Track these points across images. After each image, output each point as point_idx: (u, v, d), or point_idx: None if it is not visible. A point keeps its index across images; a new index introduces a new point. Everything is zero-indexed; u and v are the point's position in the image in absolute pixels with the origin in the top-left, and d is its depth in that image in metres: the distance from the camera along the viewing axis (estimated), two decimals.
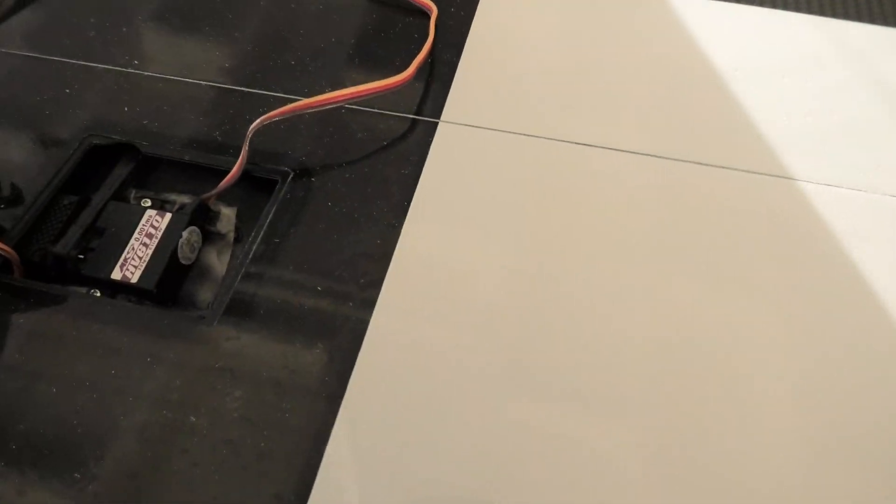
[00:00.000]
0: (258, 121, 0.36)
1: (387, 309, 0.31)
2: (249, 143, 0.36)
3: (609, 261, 0.33)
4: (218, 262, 0.37)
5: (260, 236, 0.33)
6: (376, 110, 0.39)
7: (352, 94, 0.36)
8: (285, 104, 0.39)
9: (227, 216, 0.38)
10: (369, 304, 0.31)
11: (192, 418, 0.27)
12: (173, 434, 0.27)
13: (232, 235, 0.37)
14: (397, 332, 0.30)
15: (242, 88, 0.40)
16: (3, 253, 0.33)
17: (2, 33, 0.43)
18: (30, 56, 0.42)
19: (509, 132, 0.37)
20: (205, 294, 0.35)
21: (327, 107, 0.36)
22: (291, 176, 0.36)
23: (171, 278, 0.34)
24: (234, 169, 0.36)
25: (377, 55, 0.42)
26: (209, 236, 0.37)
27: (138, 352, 0.29)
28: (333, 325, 0.30)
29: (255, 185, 0.37)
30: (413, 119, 0.38)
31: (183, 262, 0.35)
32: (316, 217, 0.34)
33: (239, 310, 0.31)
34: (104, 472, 0.26)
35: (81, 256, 0.34)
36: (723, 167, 0.36)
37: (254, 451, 0.27)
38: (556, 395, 0.28)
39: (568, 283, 0.32)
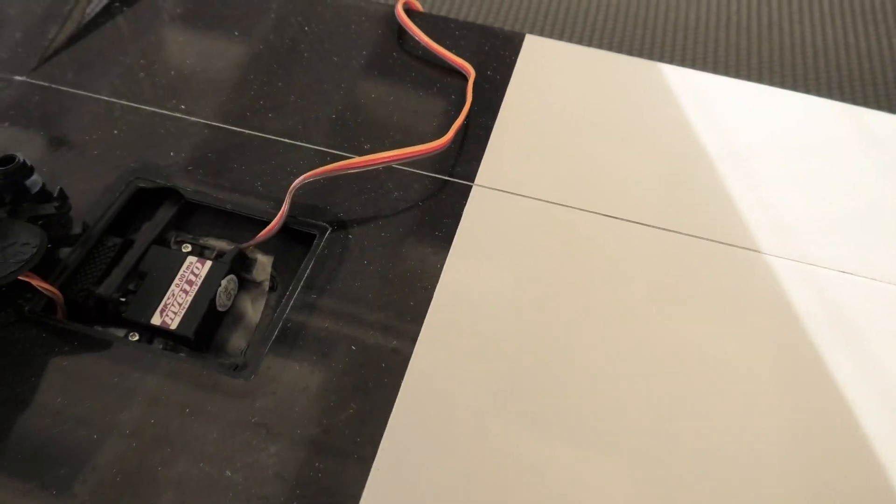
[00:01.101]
0: (301, 178, 0.37)
1: (418, 373, 0.32)
2: (291, 198, 0.37)
3: (618, 321, 0.34)
4: (252, 309, 0.38)
5: (297, 290, 0.35)
6: (411, 170, 0.40)
7: (393, 157, 0.38)
8: (325, 158, 0.40)
9: (263, 264, 0.39)
10: (402, 368, 0.32)
11: (228, 473, 0.28)
12: (209, 488, 0.28)
13: (267, 284, 0.38)
14: (428, 395, 0.31)
15: (284, 140, 0.41)
16: (48, 293, 0.34)
17: (53, 68, 0.45)
18: (79, 94, 0.44)
19: (539, 199, 0.39)
20: (237, 341, 0.37)
21: (368, 167, 0.38)
22: (329, 231, 0.37)
23: (207, 325, 0.35)
24: (275, 221, 0.37)
25: (416, 113, 0.43)
26: (244, 283, 0.38)
27: (177, 402, 0.31)
28: (367, 386, 0.31)
29: (292, 237, 0.39)
30: (447, 181, 0.40)
31: (219, 308, 0.36)
32: (352, 275, 0.35)
33: (276, 364, 0.32)
34: None
35: (123, 299, 0.36)
36: (739, 247, 0.37)
37: None
38: (575, 438, 0.29)
39: (587, 342, 0.33)
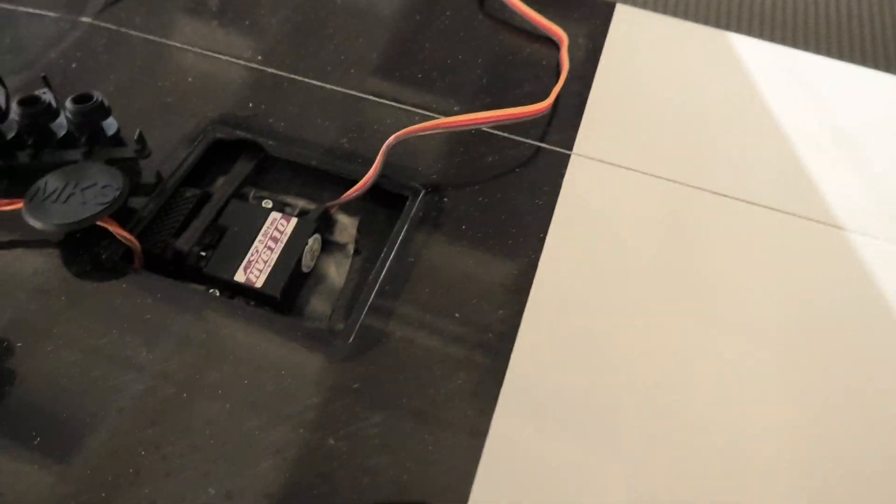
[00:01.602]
0: (397, 134, 0.35)
1: (526, 343, 0.30)
2: (384, 156, 0.35)
3: (725, 309, 0.32)
4: (335, 272, 0.36)
5: (392, 254, 0.32)
6: (504, 134, 0.38)
7: (491, 118, 0.35)
8: (413, 118, 0.38)
9: (346, 226, 0.37)
10: (509, 339, 0.30)
11: (331, 441, 0.26)
12: (311, 455, 0.26)
13: (351, 247, 0.36)
14: (537, 368, 0.29)
15: (369, 97, 0.39)
16: (126, 242, 0.32)
17: (120, 11, 0.43)
18: (150, 38, 0.41)
19: (642, 172, 0.37)
20: (321, 304, 0.34)
21: (465, 128, 0.36)
22: (423, 193, 0.35)
23: (292, 285, 0.33)
24: (365, 179, 0.35)
25: (505, 79, 0.41)
26: (327, 245, 0.36)
27: (272, 363, 0.28)
28: (473, 358, 0.29)
29: (378, 199, 0.36)
30: (543, 148, 0.38)
31: (303, 269, 0.34)
32: (450, 240, 0.33)
33: (374, 330, 0.30)
34: (239, 490, 0.25)
35: (203, 254, 0.33)
36: (855, 232, 0.35)
37: (395, 483, 0.25)
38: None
39: (694, 319, 0.31)
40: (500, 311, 0.31)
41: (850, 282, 0.34)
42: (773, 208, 0.36)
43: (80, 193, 0.31)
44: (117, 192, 0.31)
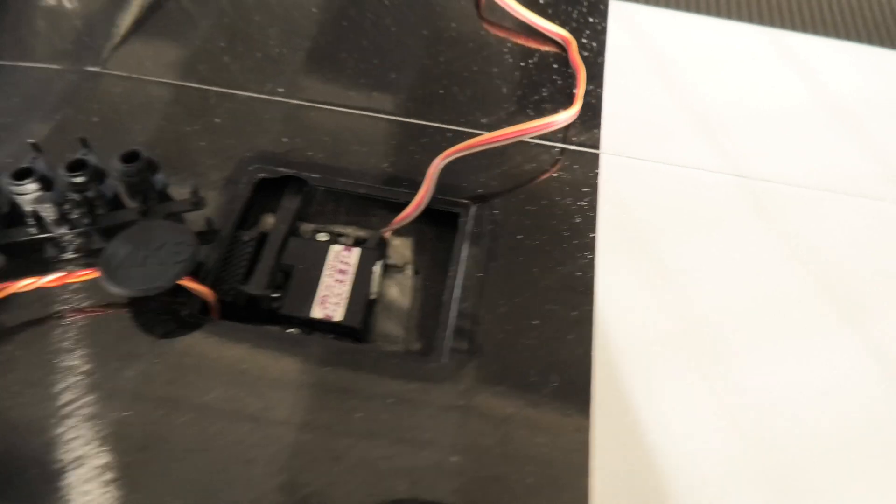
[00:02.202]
0: (444, 155, 0.36)
1: (606, 339, 0.32)
2: (434, 177, 0.36)
3: (770, 289, 0.35)
4: (399, 294, 0.37)
5: (460, 270, 0.34)
6: (536, 142, 0.40)
7: (529, 129, 0.37)
8: (445, 135, 0.39)
9: (400, 248, 0.38)
10: (586, 337, 0.32)
11: (454, 458, 0.28)
12: (440, 475, 0.28)
13: (410, 268, 0.37)
14: (623, 356, 0.32)
15: (398, 118, 0.40)
16: (202, 295, 0.32)
17: (126, 57, 0.42)
18: (165, 82, 0.41)
19: (666, 163, 0.39)
20: (392, 327, 0.36)
21: (508, 142, 0.37)
22: (473, 208, 0.37)
23: (367, 317, 0.34)
24: (418, 201, 0.36)
25: (523, 86, 0.43)
26: (386, 269, 0.37)
27: (378, 393, 0.30)
28: (560, 356, 0.31)
29: (426, 218, 0.38)
30: (571, 150, 0.40)
31: (371, 297, 0.35)
32: (511, 251, 0.35)
33: (461, 346, 0.32)
34: None
35: (274, 295, 0.34)
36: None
37: (522, 487, 0.28)
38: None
39: (761, 303, 0.34)
40: (574, 313, 0.33)
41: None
42: (811, 187, 0.39)
43: (155, 255, 0.31)
44: (191, 249, 0.31)
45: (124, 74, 0.41)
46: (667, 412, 0.30)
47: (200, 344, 0.31)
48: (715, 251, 0.36)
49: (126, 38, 0.42)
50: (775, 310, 0.34)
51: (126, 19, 0.43)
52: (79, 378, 0.29)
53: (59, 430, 0.27)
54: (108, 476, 0.26)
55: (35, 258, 0.33)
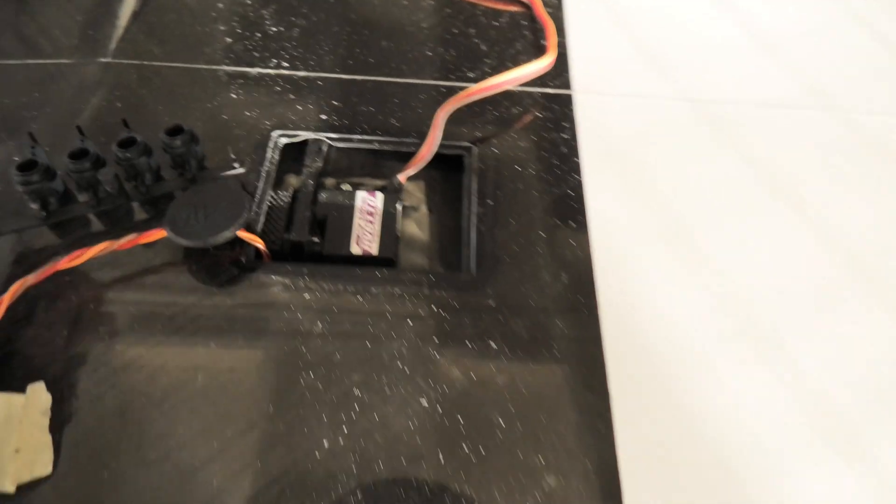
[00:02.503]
0: (445, 105, 0.41)
1: (599, 242, 0.38)
2: (439, 125, 0.41)
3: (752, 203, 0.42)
4: (419, 230, 0.42)
5: (473, 201, 0.40)
6: (517, 89, 0.46)
7: (521, 77, 0.43)
8: (440, 90, 0.45)
9: (413, 192, 0.43)
10: (584, 241, 0.38)
11: (493, 345, 0.34)
12: (487, 360, 0.34)
13: (424, 207, 0.43)
14: (614, 254, 0.38)
15: (396, 80, 0.45)
16: (255, 244, 0.37)
17: (132, 46, 0.45)
18: (175, 66, 0.44)
19: (631, 96, 0.46)
20: (418, 258, 0.41)
21: (499, 91, 0.43)
22: (475, 149, 0.42)
23: (397, 248, 0.40)
24: (428, 147, 0.41)
25: (498, 41, 0.48)
26: (404, 210, 0.42)
27: (424, 302, 0.35)
28: (565, 258, 0.38)
29: (433, 164, 0.43)
30: (550, 93, 0.46)
31: (396, 234, 0.41)
32: (514, 180, 0.41)
33: (484, 260, 0.37)
34: (432, 398, 0.32)
35: (316, 240, 0.39)
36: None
37: (553, 357, 0.34)
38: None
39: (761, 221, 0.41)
40: (572, 223, 0.39)
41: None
42: (750, 103, 0.46)
43: (213, 213, 0.35)
44: (246, 205, 0.36)
45: (136, 62, 0.44)
46: (657, 288, 0.37)
47: (265, 284, 0.36)
48: (680, 163, 0.43)
49: (128, 28, 0.46)
50: (734, 204, 0.41)
51: (125, 10, 0.47)
52: (169, 318, 0.33)
53: (161, 360, 0.32)
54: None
55: (85, 232, 0.37)
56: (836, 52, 0.50)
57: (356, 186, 0.43)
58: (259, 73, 0.45)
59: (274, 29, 0.47)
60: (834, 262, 0.39)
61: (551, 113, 0.45)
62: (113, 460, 0.29)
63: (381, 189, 0.41)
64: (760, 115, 0.46)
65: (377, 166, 0.44)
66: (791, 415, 0.33)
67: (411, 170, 0.42)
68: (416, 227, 0.43)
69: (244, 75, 0.44)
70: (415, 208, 0.43)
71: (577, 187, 0.41)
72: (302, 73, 0.45)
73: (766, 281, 0.38)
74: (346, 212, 0.40)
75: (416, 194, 0.44)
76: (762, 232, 0.40)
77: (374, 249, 0.39)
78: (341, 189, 0.42)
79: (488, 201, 0.40)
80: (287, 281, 0.36)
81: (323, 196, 0.41)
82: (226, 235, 0.35)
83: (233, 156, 0.38)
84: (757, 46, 0.50)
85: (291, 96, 0.44)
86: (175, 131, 0.37)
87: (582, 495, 0.30)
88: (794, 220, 0.41)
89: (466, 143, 0.42)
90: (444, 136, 0.43)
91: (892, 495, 0.31)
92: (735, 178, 0.42)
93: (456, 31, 0.48)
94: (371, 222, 0.40)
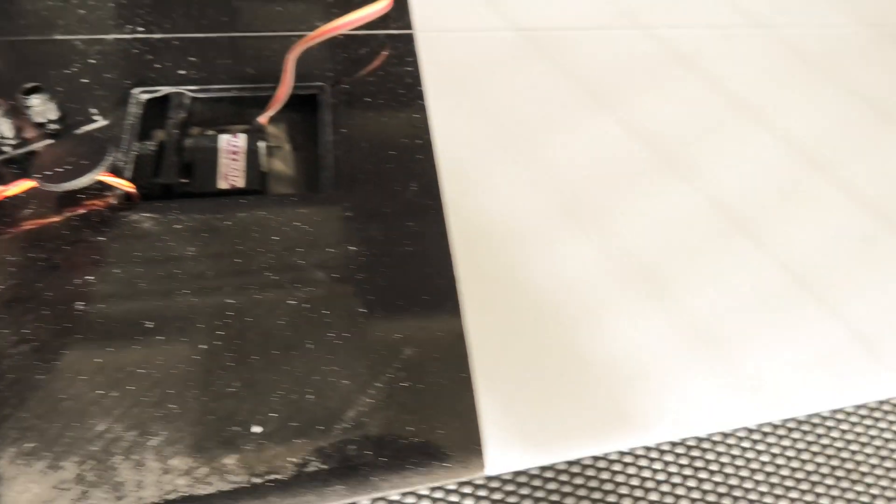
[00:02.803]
0: (294, 48, 0.45)
1: (443, 154, 0.43)
2: (291, 67, 0.45)
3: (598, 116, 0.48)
4: (285, 166, 0.46)
5: (330, 129, 0.44)
6: (362, 32, 0.50)
7: (358, 19, 0.47)
8: (290, 39, 0.48)
9: (278, 132, 0.47)
10: (430, 156, 0.43)
11: (351, 248, 0.38)
12: (347, 262, 0.38)
13: (287, 145, 0.46)
14: (457, 164, 0.43)
15: (249, 34, 0.48)
16: (124, 188, 0.40)
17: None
18: (32, 39, 0.46)
19: (467, 30, 0.51)
20: (287, 190, 0.45)
21: (342, 32, 0.47)
22: (328, 87, 0.46)
23: (263, 181, 0.43)
24: (283, 89, 0.45)
25: None
26: (268, 150, 0.46)
27: (286, 219, 0.39)
28: (414, 170, 0.42)
29: (291, 106, 0.47)
30: (394, 34, 0.50)
31: (262, 170, 0.44)
32: (364, 109, 0.45)
33: (341, 179, 0.42)
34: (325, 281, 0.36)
35: (184, 180, 0.42)
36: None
37: (402, 255, 0.38)
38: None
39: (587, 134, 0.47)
40: (418, 141, 0.44)
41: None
42: (571, 28, 0.52)
43: (80, 159, 0.38)
44: (108, 149, 0.38)
45: None
46: (495, 187, 0.42)
47: (133, 222, 0.38)
48: (513, 84, 0.49)
49: None
50: (561, 114, 0.47)
51: None
52: (43, 259, 0.36)
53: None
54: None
55: None
56: None
57: (221, 132, 0.46)
58: (115, 38, 0.47)
59: None
60: (641, 149, 0.46)
61: (395, 51, 0.49)
62: None
63: (245, 132, 0.45)
64: (582, 37, 0.52)
65: (240, 113, 0.47)
66: (608, 273, 0.39)
67: (270, 111, 0.45)
68: (281, 164, 0.46)
69: (100, 41, 0.47)
70: (279, 147, 0.47)
71: (422, 110, 0.46)
72: (158, 36, 0.47)
73: (585, 172, 0.44)
74: (212, 153, 0.43)
75: (279, 135, 0.47)
76: (586, 134, 0.46)
77: (240, 183, 0.42)
78: (206, 135, 0.45)
79: (342, 130, 0.44)
80: (158, 216, 0.39)
81: (188, 142, 0.44)
82: (91, 177, 0.37)
83: (93, 110, 0.41)
84: None
85: (149, 57, 0.46)
86: (32, 90, 0.40)
87: (435, 359, 0.35)
88: (610, 121, 0.47)
89: (319, 83, 0.46)
90: (300, 79, 0.46)
91: (688, 327, 0.38)
92: (562, 93, 0.48)
93: None
94: (236, 160, 0.43)
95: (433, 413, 0.33)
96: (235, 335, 0.35)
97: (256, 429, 0.32)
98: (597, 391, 0.35)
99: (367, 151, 0.43)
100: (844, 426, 0.38)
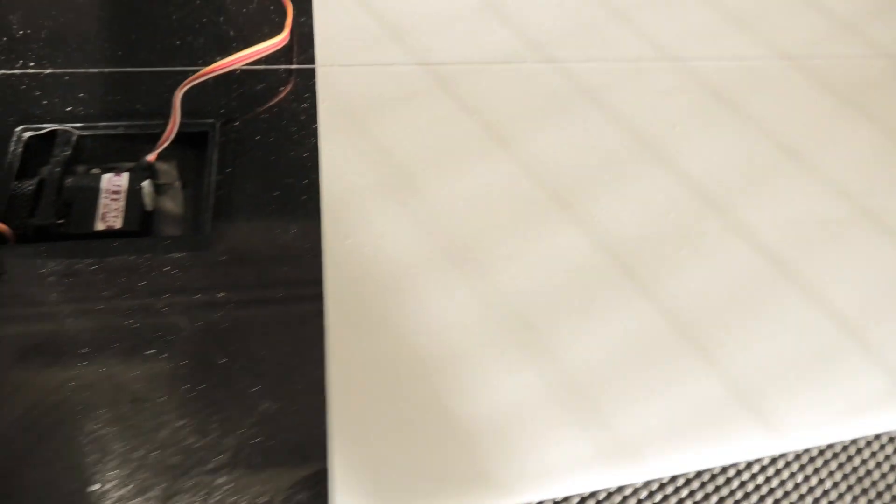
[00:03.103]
0: (182, 86, 0.45)
1: (331, 190, 0.43)
2: (179, 104, 0.44)
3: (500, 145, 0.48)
4: (173, 205, 0.45)
5: (214, 168, 0.43)
6: (266, 67, 0.49)
7: (248, 56, 0.47)
8: (186, 74, 0.48)
9: (168, 170, 0.46)
10: (317, 190, 0.43)
11: (220, 295, 0.38)
12: (212, 309, 0.37)
13: (178, 183, 0.46)
14: (344, 196, 0.42)
15: (136, 69, 0.48)
16: None
17: None
18: None
19: (368, 65, 0.51)
20: (175, 230, 0.44)
21: (232, 68, 0.46)
22: (218, 125, 0.45)
23: (144, 222, 0.42)
24: (171, 127, 0.44)
25: (248, 27, 0.52)
26: (159, 189, 0.45)
27: (162, 262, 0.38)
28: (298, 209, 0.42)
29: (183, 142, 0.46)
30: (294, 68, 0.50)
31: (147, 209, 0.43)
32: (254, 148, 0.45)
33: (221, 223, 0.41)
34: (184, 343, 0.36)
35: (60, 221, 0.41)
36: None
37: (270, 309, 0.38)
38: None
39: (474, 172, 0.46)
40: (304, 181, 0.43)
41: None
42: (474, 62, 0.52)
43: None
44: None
45: None
46: (378, 229, 0.42)
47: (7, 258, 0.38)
48: (414, 123, 0.48)
49: None
50: (454, 151, 0.46)
51: None
52: None
53: None
54: None
55: None
56: (552, 9, 0.57)
57: (108, 170, 0.45)
58: (3, 74, 0.46)
59: (21, 32, 0.49)
60: (533, 187, 0.45)
61: (294, 86, 0.49)
62: None
63: (131, 170, 0.44)
64: (482, 70, 0.51)
65: (131, 150, 0.46)
66: (481, 321, 0.39)
67: (159, 149, 0.45)
68: (171, 203, 0.46)
69: None
70: (170, 185, 0.46)
71: (313, 149, 0.45)
72: (48, 71, 0.47)
73: (472, 214, 0.43)
74: (92, 193, 0.42)
75: (170, 172, 0.46)
76: (478, 173, 0.46)
77: (118, 224, 0.42)
78: (90, 174, 0.44)
79: (227, 169, 0.44)
80: (23, 259, 0.38)
81: (69, 181, 0.43)
82: None
83: None
84: (484, 8, 0.56)
85: (37, 93, 0.46)
86: None
87: (291, 413, 0.34)
88: (504, 159, 0.46)
89: (210, 120, 0.46)
90: (195, 116, 0.46)
91: (563, 382, 0.37)
92: (458, 130, 0.48)
93: (205, 20, 0.51)
94: (116, 200, 0.42)
95: (282, 473, 0.33)
96: (85, 386, 0.34)
97: (94, 487, 0.31)
98: (458, 447, 0.34)
99: (250, 192, 0.43)
100: (735, 483, 0.37)
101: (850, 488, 0.38)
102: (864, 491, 0.38)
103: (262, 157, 0.44)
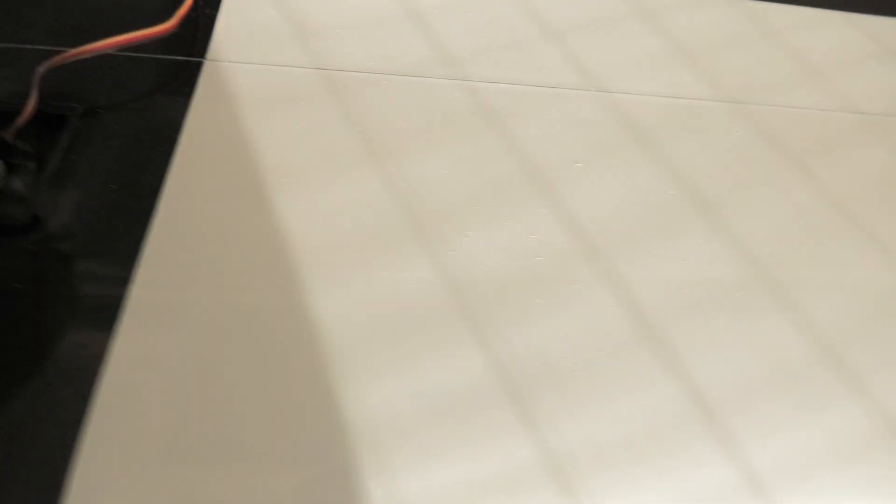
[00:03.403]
0: (45, 64, 0.43)
1: (176, 193, 0.40)
2: (39, 83, 0.43)
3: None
4: (23, 186, 0.43)
5: (60, 154, 0.41)
6: (146, 55, 0.47)
7: (122, 40, 0.45)
8: (60, 53, 0.46)
9: (25, 149, 0.44)
10: (155, 194, 0.40)
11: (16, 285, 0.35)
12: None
13: (32, 164, 0.44)
14: (185, 211, 0.40)
15: (9, 45, 0.46)
16: None
17: None
18: None
19: (263, 64, 0.48)
20: (15, 211, 0.42)
21: (102, 51, 0.44)
22: (81, 110, 0.44)
23: None
24: (29, 106, 0.42)
25: (152, 14, 0.50)
26: (13, 168, 0.43)
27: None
28: (133, 210, 0.39)
29: (47, 123, 0.44)
30: (177, 60, 0.47)
31: None
32: (108, 137, 0.42)
33: (52, 212, 0.39)
34: None
35: None
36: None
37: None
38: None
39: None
40: (149, 181, 0.41)
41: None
42: (383, 73, 0.48)
43: None
44: None
45: None
46: (213, 243, 0.39)
47: None
48: (290, 130, 0.45)
49: None
50: (324, 156, 0.43)
51: None
52: None
53: None
54: None
55: None
56: (481, 24, 0.53)
57: None
58: None
59: None
60: (394, 209, 0.41)
61: (174, 79, 0.46)
62: None
63: None
64: (383, 82, 0.48)
65: None
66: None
67: (15, 128, 0.43)
68: (20, 183, 0.43)
69: None
70: (23, 166, 0.44)
71: (171, 147, 0.42)
72: None
73: (318, 234, 0.40)
74: None
75: (28, 151, 0.45)
76: (341, 189, 0.42)
77: None
78: None
79: (71, 157, 0.41)
80: None
81: None
82: None
83: None
84: (407, 18, 0.52)
85: None
86: None
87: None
88: (374, 176, 0.43)
89: (74, 105, 0.44)
90: (64, 98, 0.44)
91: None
92: (335, 140, 0.44)
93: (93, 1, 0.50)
94: None
95: None
96: None
97: None
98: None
99: (86, 185, 0.40)
100: None
101: None
102: None
103: (112, 150, 0.42)
